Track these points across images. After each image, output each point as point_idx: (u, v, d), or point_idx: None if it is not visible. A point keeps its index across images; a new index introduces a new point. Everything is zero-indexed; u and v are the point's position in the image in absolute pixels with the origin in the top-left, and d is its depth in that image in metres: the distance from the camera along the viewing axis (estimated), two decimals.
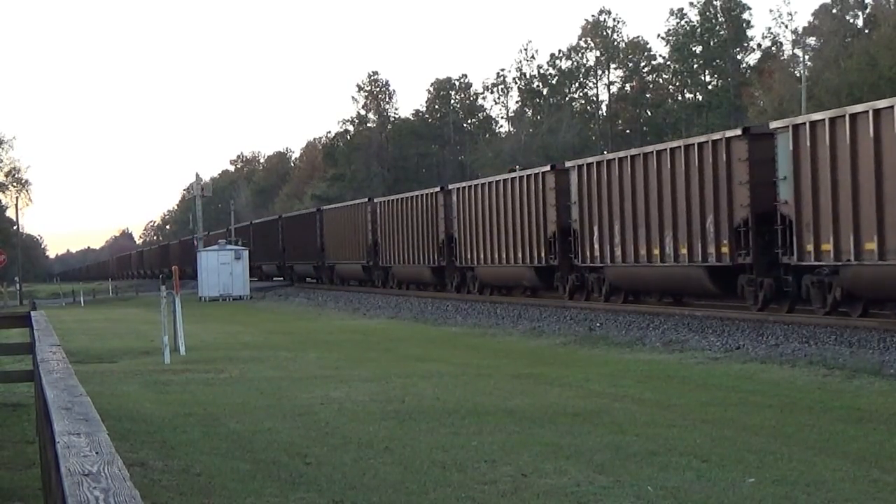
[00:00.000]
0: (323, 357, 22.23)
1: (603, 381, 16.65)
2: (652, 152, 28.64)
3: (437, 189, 44.56)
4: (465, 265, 40.98)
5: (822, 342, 19.77)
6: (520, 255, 35.96)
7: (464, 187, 41.40)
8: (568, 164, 33.65)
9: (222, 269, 58.75)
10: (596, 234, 30.86)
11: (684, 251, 26.87)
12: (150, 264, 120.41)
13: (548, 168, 34.89)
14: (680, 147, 27.44)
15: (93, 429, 3.97)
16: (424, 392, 15.73)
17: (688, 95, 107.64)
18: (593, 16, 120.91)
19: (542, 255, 34.31)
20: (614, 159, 30.41)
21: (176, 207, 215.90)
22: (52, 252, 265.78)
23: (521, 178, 36.02)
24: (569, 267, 33.17)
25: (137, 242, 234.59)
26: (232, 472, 10.44)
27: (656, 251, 28.05)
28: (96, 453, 3.50)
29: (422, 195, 45.85)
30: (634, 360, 19.95)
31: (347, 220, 55.93)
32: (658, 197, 27.92)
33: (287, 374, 19.02)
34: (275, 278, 74.03)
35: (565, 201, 32.82)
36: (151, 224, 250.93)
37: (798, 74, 76.72)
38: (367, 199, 54.69)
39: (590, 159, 32.39)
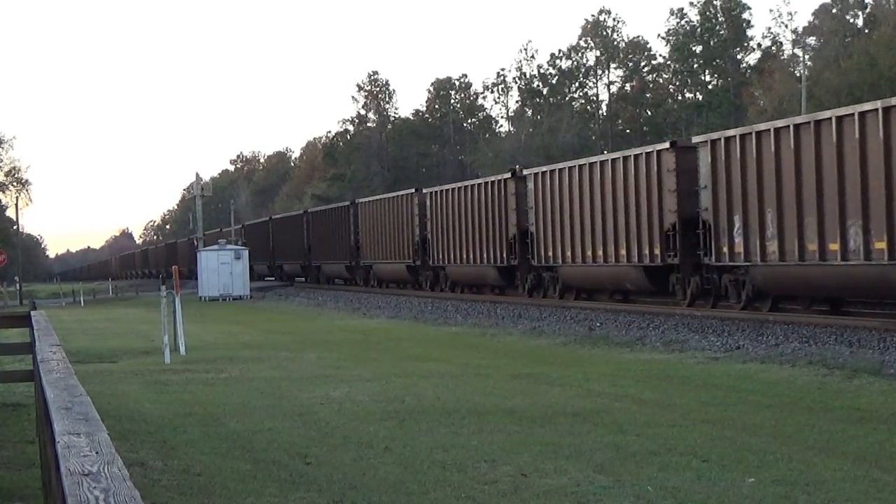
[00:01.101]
0: (323, 357, 22.23)
1: (603, 380, 16.65)
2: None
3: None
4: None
5: (822, 342, 19.78)
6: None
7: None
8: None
9: (222, 268, 58.74)
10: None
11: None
12: (156, 263, 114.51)
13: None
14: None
15: (93, 429, 3.96)
16: (424, 392, 15.73)
17: (688, 95, 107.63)
18: (593, 15, 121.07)
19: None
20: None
21: (176, 207, 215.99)
22: (52, 252, 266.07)
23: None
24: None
25: (137, 242, 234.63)
26: (232, 471, 10.44)
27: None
28: (96, 453, 3.50)
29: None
30: (634, 359, 19.95)
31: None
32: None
33: (287, 373, 19.02)
34: (266, 278, 74.52)
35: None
36: (151, 224, 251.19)
37: (798, 74, 76.74)
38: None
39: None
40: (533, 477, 9.73)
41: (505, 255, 36.97)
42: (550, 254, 33.67)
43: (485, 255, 38.55)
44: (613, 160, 30.32)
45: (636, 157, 29.15)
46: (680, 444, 11.01)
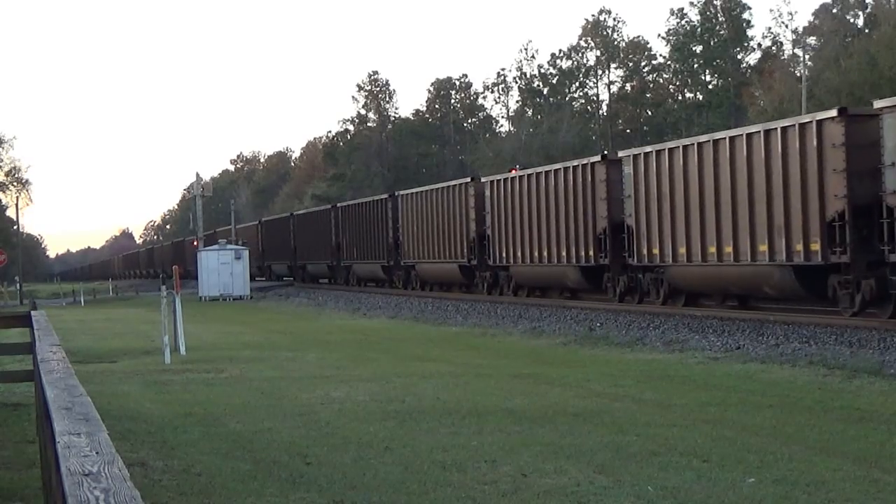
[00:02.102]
0: (323, 357, 22.22)
1: (603, 380, 16.65)
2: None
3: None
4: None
5: (822, 342, 19.78)
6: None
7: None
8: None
9: (222, 268, 58.74)
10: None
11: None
12: (162, 262, 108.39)
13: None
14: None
15: (93, 428, 3.96)
16: (424, 392, 15.73)
17: (688, 95, 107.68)
18: (593, 15, 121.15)
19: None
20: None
21: (176, 207, 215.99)
22: (52, 252, 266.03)
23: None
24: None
25: (138, 242, 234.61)
26: (232, 472, 10.44)
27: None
28: (96, 453, 3.50)
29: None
30: (635, 359, 19.95)
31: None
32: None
33: (287, 373, 19.02)
34: (256, 278, 74.95)
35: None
36: (151, 224, 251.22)
37: (798, 74, 76.74)
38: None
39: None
40: (533, 477, 9.73)
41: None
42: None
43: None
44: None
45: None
46: (680, 444, 11.01)
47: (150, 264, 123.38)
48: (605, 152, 33.63)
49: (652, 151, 28.75)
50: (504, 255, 37.06)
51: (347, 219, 56.04)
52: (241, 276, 59.12)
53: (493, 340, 25.64)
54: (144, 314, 43.14)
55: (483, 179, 40.17)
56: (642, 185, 28.78)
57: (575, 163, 33.43)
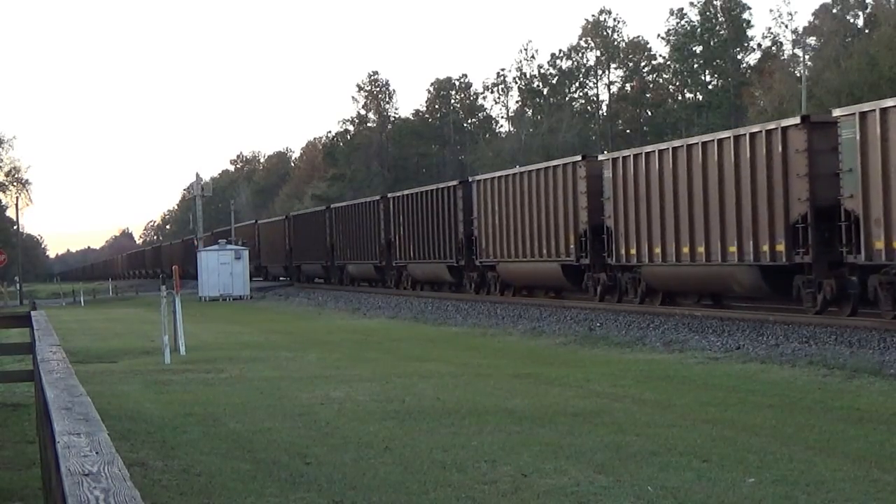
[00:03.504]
0: (323, 357, 22.22)
1: (603, 380, 16.65)
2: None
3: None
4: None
5: (822, 342, 19.78)
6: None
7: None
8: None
9: (222, 268, 58.74)
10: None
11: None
12: (170, 261, 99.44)
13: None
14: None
15: (93, 429, 3.96)
16: (424, 392, 15.73)
17: (688, 95, 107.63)
18: (593, 15, 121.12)
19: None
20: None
21: (176, 207, 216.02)
22: (52, 252, 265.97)
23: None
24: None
25: (138, 242, 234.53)
26: (232, 472, 10.44)
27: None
28: (96, 453, 3.50)
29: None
30: (634, 359, 19.94)
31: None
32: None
33: (287, 373, 19.01)
34: (254, 279, 75.24)
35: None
36: (151, 224, 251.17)
37: (798, 74, 76.71)
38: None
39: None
40: (533, 477, 9.73)
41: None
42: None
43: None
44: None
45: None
46: (680, 444, 11.01)
47: (157, 263, 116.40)
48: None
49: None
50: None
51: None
52: (240, 276, 59.12)
53: (493, 340, 25.64)
54: (144, 314, 43.13)
55: (470, 180, 41.19)
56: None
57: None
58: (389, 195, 50.51)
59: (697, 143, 26.73)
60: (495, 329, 28.42)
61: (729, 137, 25.50)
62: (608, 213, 30.54)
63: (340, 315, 39.23)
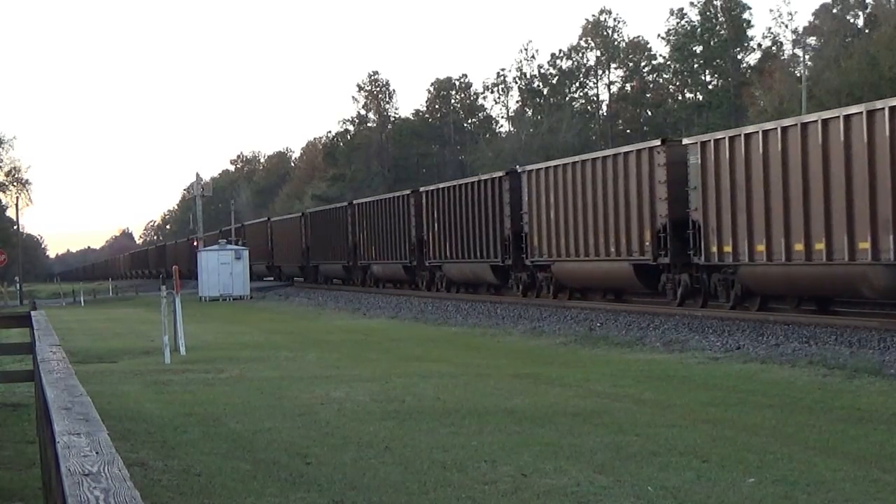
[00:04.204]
0: (323, 357, 22.22)
1: (603, 380, 16.65)
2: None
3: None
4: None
5: (822, 342, 19.78)
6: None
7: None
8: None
9: (222, 269, 58.74)
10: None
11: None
12: (174, 261, 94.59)
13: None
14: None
15: (93, 429, 3.96)
16: (424, 392, 15.73)
17: (688, 95, 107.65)
18: (594, 15, 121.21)
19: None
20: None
21: (176, 207, 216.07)
22: (52, 252, 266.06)
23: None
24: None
25: (138, 242, 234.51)
26: (232, 472, 10.43)
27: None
28: (96, 453, 3.50)
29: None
30: (635, 359, 19.94)
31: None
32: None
33: (287, 374, 19.01)
34: (265, 278, 75.26)
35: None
36: (151, 224, 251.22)
37: (798, 74, 76.72)
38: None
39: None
40: (533, 477, 9.73)
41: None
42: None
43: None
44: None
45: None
46: (680, 444, 11.01)
47: (161, 263, 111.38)
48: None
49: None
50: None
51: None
52: (241, 276, 59.12)
53: (493, 340, 25.64)
54: (144, 314, 43.13)
55: (520, 170, 36.85)
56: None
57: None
58: (421, 189, 46.33)
59: (817, 121, 22.71)
60: (495, 329, 28.41)
61: (861, 112, 21.59)
62: (695, 204, 26.85)
63: (340, 315, 39.23)
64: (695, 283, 27.59)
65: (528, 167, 36.57)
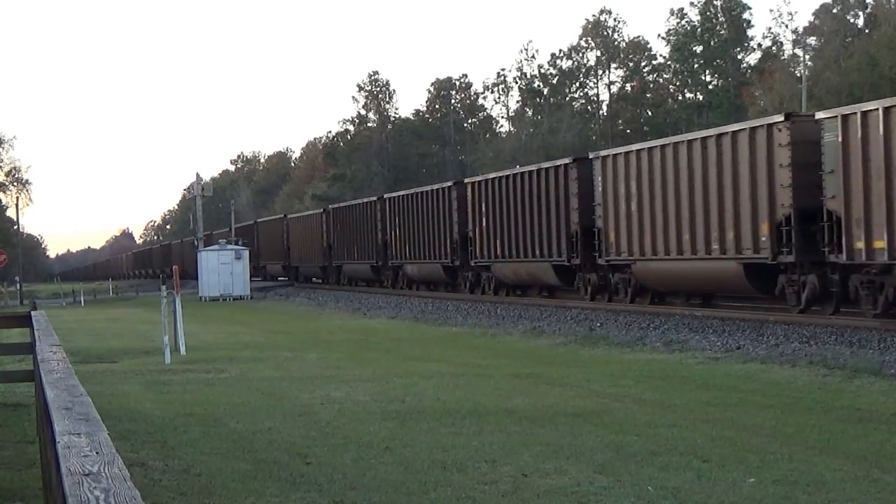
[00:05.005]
0: (323, 357, 22.22)
1: (603, 381, 16.65)
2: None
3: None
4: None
5: (823, 342, 19.78)
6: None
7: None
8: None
9: (222, 269, 58.75)
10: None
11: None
12: (182, 260, 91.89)
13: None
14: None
15: (93, 429, 3.96)
16: (425, 392, 15.73)
17: (688, 95, 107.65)
18: (594, 15, 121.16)
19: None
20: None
21: (176, 207, 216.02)
22: (52, 252, 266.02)
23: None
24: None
25: (138, 242, 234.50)
26: (232, 472, 10.44)
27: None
28: (97, 453, 3.50)
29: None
30: (635, 359, 19.94)
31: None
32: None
33: (287, 374, 19.02)
34: (252, 278, 75.09)
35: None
36: (152, 224, 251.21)
37: (798, 74, 76.72)
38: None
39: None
40: (533, 477, 9.73)
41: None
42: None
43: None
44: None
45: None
46: (680, 444, 11.01)
47: (167, 262, 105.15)
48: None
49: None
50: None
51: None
52: (241, 276, 59.12)
53: (493, 340, 25.64)
54: (144, 314, 43.13)
55: (592, 156, 32.87)
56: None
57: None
58: (466, 180, 41.97)
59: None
60: (495, 329, 28.42)
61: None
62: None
63: (340, 315, 39.24)
64: (828, 286, 23.00)
65: (603, 152, 32.09)
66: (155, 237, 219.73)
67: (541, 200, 34.41)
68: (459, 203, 41.39)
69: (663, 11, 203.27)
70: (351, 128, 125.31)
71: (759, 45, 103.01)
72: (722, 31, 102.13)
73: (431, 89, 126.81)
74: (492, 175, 39.84)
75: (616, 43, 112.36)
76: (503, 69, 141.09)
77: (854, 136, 21.43)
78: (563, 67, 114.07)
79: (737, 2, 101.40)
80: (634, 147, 30.13)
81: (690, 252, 26.85)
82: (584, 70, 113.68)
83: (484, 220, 38.90)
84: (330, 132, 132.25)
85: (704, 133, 27.38)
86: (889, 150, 20.54)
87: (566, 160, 33.81)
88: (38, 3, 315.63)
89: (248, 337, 29.26)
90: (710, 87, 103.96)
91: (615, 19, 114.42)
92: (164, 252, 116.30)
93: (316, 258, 62.58)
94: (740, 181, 24.93)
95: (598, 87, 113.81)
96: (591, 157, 32.31)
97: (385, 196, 51.90)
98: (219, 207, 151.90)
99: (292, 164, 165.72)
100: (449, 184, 43.63)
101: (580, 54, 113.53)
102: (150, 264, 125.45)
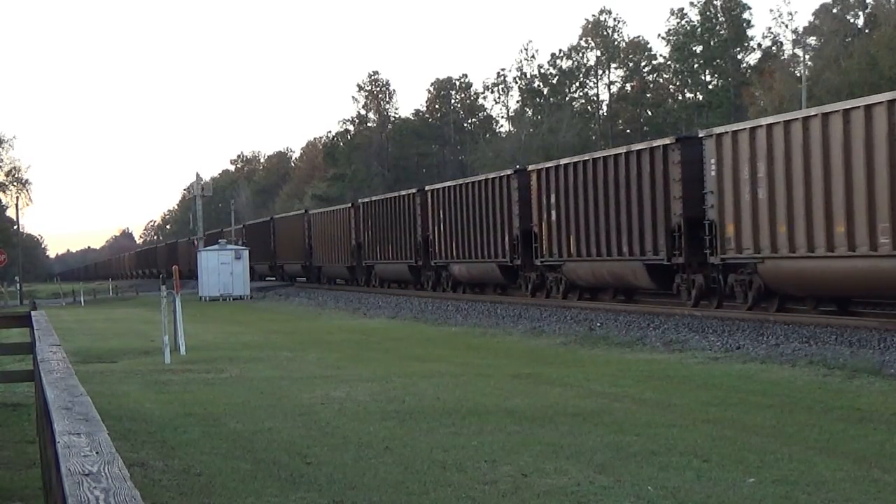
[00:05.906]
0: (323, 357, 22.22)
1: (603, 380, 16.64)
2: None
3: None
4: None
5: (823, 342, 19.77)
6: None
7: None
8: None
9: (222, 268, 58.76)
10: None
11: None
12: (186, 259, 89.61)
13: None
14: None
15: (93, 429, 3.96)
16: (424, 392, 15.73)
17: (688, 95, 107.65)
18: (594, 15, 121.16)
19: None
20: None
21: (176, 207, 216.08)
22: (52, 252, 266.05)
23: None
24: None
25: (138, 242, 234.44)
26: (232, 471, 10.44)
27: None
28: (96, 453, 3.50)
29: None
30: (635, 359, 19.94)
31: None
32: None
33: (287, 373, 19.01)
34: (267, 278, 74.72)
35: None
36: (151, 224, 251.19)
37: (798, 74, 76.72)
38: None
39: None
40: (533, 477, 9.73)
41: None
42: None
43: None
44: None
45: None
46: (680, 444, 11.01)
47: (171, 262, 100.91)
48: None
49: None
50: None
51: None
52: (241, 276, 59.13)
53: (493, 340, 25.63)
54: (144, 314, 43.13)
55: (530, 168, 34.35)
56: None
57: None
58: (530, 168, 36.54)
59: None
60: (495, 329, 28.41)
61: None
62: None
63: (340, 315, 39.23)
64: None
65: (717, 129, 26.08)
66: (155, 237, 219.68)
67: (630, 188, 29.41)
68: (521, 194, 35.82)
69: (663, 11, 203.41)
70: (351, 128, 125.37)
71: (759, 45, 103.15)
72: (722, 31, 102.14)
73: (431, 89, 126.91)
74: (564, 160, 33.78)
75: (616, 43, 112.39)
76: (503, 69, 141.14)
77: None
78: (563, 67, 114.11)
79: (737, 2, 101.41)
80: (763, 121, 24.48)
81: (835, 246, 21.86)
82: (584, 70, 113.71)
83: (553, 212, 33.43)
84: (330, 132, 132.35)
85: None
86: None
87: (667, 140, 28.61)
88: (38, 3, 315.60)
89: (247, 337, 29.25)
90: (710, 87, 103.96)
91: (615, 19, 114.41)
92: (169, 251, 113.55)
93: (343, 258, 57.30)
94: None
95: (598, 87, 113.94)
96: (702, 135, 26.64)
97: (426, 188, 45.88)
98: (219, 207, 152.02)
99: (292, 164, 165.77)
100: (508, 172, 37.89)
101: (580, 54, 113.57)
102: (155, 264, 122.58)
